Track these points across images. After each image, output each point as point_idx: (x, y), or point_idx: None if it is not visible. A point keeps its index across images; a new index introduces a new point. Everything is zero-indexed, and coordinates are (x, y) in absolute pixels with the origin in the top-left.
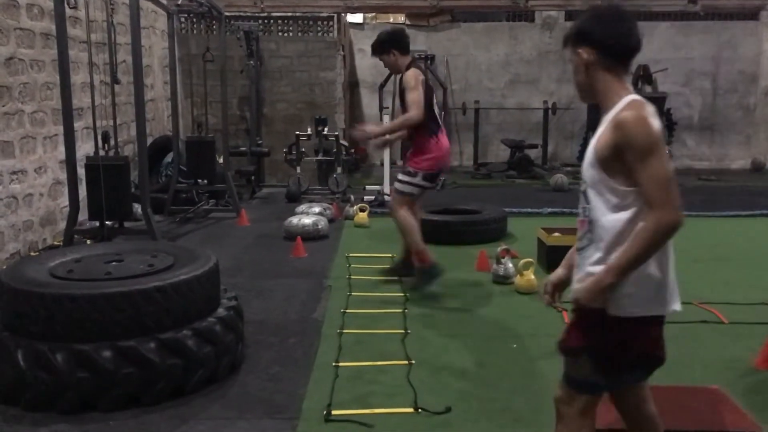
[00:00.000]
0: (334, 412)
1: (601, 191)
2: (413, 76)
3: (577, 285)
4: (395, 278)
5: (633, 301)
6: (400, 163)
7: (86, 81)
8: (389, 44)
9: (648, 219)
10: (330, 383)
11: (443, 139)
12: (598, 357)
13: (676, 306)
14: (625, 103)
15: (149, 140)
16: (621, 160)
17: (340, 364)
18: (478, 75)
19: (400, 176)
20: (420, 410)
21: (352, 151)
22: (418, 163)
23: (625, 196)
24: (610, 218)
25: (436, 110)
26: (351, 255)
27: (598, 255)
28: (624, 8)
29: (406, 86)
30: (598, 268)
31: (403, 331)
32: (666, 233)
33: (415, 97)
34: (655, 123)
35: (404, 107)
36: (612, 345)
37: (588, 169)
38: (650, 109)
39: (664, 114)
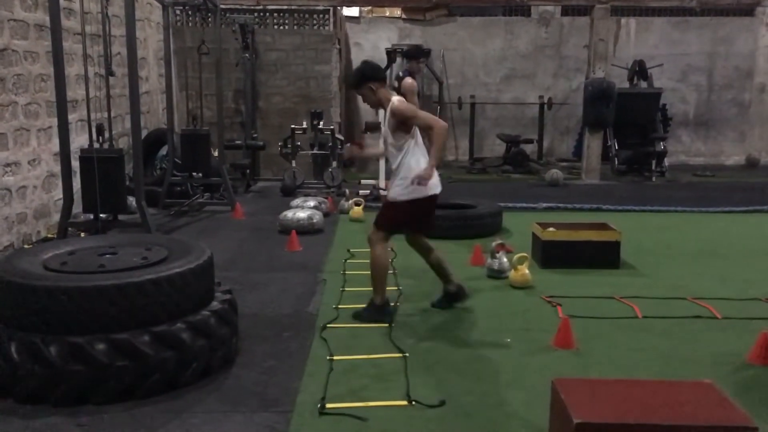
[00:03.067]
0: (328, 406)
1: (395, 143)
2: None
3: (392, 188)
4: None
5: (396, 195)
6: None
7: (81, 73)
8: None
9: (434, 131)
10: (324, 376)
11: None
12: (384, 215)
13: (421, 194)
14: (394, 101)
15: (144, 133)
16: (402, 125)
17: (335, 357)
18: (474, 69)
19: None
20: (414, 403)
21: (348, 145)
22: None
23: (403, 142)
24: (398, 155)
25: None
26: (351, 249)
27: (399, 174)
28: (371, 61)
29: None
30: (398, 180)
31: (396, 325)
32: (444, 133)
33: None
34: (403, 102)
35: None
36: (388, 211)
37: (389, 136)
38: (401, 99)
39: (660, 109)
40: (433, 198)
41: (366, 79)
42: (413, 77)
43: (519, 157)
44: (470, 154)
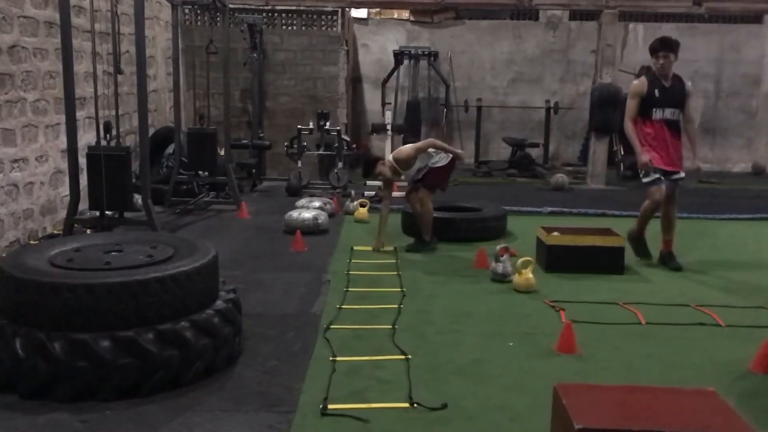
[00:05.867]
0: (330, 406)
1: (417, 163)
2: None
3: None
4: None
5: (431, 163)
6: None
7: (89, 70)
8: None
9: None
10: (327, 377)
11: None
12: (426, 179)
13: (443, 163)
14: (389, 159)
15: (151, 131)
16: (406, 163)
17: (338, 358)
18: (481, 72)
19: None
20: (416, 405)
21: (354, 146)
22: None
23: (416, 160)
24: (418, 164)
25: None
26: (355, 249)
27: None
28: (368, 153)
29: None
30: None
31: (399, 327)
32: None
33: None
34: (399, 155)
35: None
36: (428, 176)
37: (412, 168)
38: (389, 160)
39: None
40: (453, 162)
41: (373, 165)
42: (663, 78)
43: (524, 161)
44: (476, 157)
